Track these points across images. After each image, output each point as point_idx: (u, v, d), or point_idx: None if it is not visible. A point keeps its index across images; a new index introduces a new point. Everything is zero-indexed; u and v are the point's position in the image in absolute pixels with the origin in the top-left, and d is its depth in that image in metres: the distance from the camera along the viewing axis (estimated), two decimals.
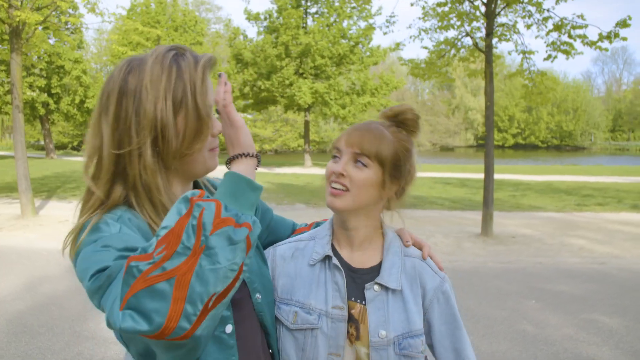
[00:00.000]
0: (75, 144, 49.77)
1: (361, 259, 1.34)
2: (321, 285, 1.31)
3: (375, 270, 1.32)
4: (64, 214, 10.11)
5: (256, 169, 1.07)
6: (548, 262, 7.00)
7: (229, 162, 1.01)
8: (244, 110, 28.46)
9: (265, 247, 1.49)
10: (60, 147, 47.37)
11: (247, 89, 26.02)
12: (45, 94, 30.07)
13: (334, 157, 1.31)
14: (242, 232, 0.88)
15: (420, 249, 1.39)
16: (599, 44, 7.69)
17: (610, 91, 78.02)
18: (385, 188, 1.28)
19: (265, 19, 26.52)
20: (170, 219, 0.87)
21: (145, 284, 0.81)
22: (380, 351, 1.25)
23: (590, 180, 18.88)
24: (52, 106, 30.70)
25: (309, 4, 26.41)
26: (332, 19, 25.81)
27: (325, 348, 1.27)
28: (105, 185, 1.08)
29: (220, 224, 0.85)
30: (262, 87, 25.05)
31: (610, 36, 7.56)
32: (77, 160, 29.13)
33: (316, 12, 26.77)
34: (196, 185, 1.27)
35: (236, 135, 1.02)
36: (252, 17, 26.42)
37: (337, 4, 25.59)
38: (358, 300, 1.29)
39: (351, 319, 1.28)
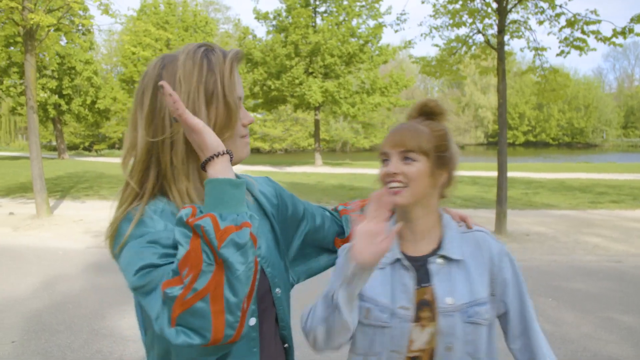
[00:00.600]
0: (86, 144, 50.15)
1: (424, 248, 1.42)
2: (389, 285, 1.38)
3: (437, 250, 1.41)
4: (78, 214, 10.20)
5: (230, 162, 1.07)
6: (563, 260, 6.95)
7: (203, 168, 1.03)
8: (253, 109, 28.55)
9: (303, 232, 1.48)
10: (72, 147, 47.75)
11: (257, 89, 26.08)
12: (57, 96, 30.33)
13: (384, 161, 1.40)
14: (245, 233, 0.92)
15: (464, 220, 1.49)
16: (613, 39, 7.62)
17: (622, 87, 77.32)
18: (435, 176, 1.38)
19: (274, 18, 26.55)
20: (182, 241, 0.91)
21: (184, 307, 0.88)
22: (448, 318, 1.33)
23: (603, 177, 18.71)
24: (64, 107, 30.97)
25: (317, 2, 26.41)
26: (341, 18, 25.78)
27: (389, 345, 1.34)
28: (139, 174, 1.12)
29: (223, 235, 0.89)
30: (272, 87, 25.10)
31: (624, 32, 7.48)
32: (89, 161, 29.36)
33: (325, 11, 26.76)
34: None
35: (200, 139, 1.02)
36: (261, 17, 26.49)
37: (346, 2, 25.57)
38: (428, 283, 1.37)
39: (425, 303, 1.35)
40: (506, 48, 8.41)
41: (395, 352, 1.33)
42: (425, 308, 1.35)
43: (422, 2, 9.31)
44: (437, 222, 1.45)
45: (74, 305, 5.04)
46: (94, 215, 10.08)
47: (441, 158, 1.39)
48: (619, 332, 4.39)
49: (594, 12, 7.83)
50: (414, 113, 1.46)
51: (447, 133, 1.43)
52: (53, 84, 29.03)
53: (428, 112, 1.44)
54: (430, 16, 9.28)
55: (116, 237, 1.07)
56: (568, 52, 8.32)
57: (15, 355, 3.91)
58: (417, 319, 1.34)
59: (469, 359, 1.34)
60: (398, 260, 1.39)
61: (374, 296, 1.37)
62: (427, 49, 47.05)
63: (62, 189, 14.53)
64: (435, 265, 1.38)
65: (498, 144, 8.53)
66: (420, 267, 1.39)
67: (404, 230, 1.43)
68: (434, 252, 1.40)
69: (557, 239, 8.20)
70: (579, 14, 7.96)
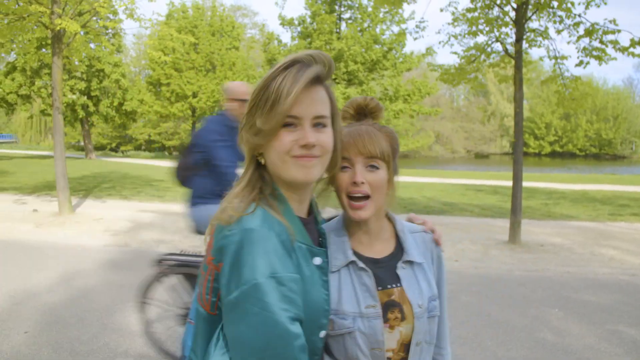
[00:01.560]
0: (113, 145, 51.11)
1: (381, 248, 1.42)
2: (350, 289, 1.35)
3: (398, 253, 1.42)
4: (99, 212, 10.45)
5: None
6: (576, 271, 6.87)
7: None
8: None
9: None
10: (99, 148, 48.74)
11: None
12: (85, 97, 31.03)
13: (344, 167, 1.34)
14: None
15: (423, 224, 1.53)
16: (631, 49, 7.49)
17: None
18: (390, 182, 1.39)
19: (299, 24, 26.82)
20: None
21: None
22: (421, 319, 1.37)
23: (628, 190, 18.33)
24: (92, 108, 31.66)
25: (342, 9, 26.55)
26: (365, 25, 25.86)
27: (366, 345, 1.33)
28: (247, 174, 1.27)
29: None
30: None
31: None
32: (115, 161, 29.93)
33: (349, 18, 26.89)
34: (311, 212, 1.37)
35: None
36: (286, 23, 26.77)
37: (370, 9, 25.65)
38: (394, 285, 1.37)
39: (394, 304, 1.35)
40: (527, 57, 8.36)
41: (376, 350, 1.33)
42: (394, 309, 1.34)
43: (441, 10, 9.33)
44: (385, 221, 1.45)
45: (87, 299, 5.19)
46: (114, 214, 10.31)
47: (395, 163, 1.40)
48: (623, 345, 4.34)
49: (613, 21, 7.71)
50: (353, 112, 1.44)
51: (396, 137, 1.42)
52: (82, 85, 29.74)
53: (371, 111, 1.43)
54: (449, 24, 9.29)
55: (234, 259, 1.11)
56: (587, 63, 8.21)
57: (26, 345, 4.07)
58: (385, 320, 1.34)
59: (428, 345, 1.40)
60: (352, 262, 1.37)
61: (333, 305, 1.33)
62: (450, 56, 46.82)
63: (86, 188, 14.87)
64: (402, 270, 1.39)
65: (514, 152, 8.47)
66: (380, 269, 1.39)
67: (358, 232, 1.42)
68: (396, 256, 1.41)
69: (573, 250, 8.09)
70: (597, 24, 7.85)
